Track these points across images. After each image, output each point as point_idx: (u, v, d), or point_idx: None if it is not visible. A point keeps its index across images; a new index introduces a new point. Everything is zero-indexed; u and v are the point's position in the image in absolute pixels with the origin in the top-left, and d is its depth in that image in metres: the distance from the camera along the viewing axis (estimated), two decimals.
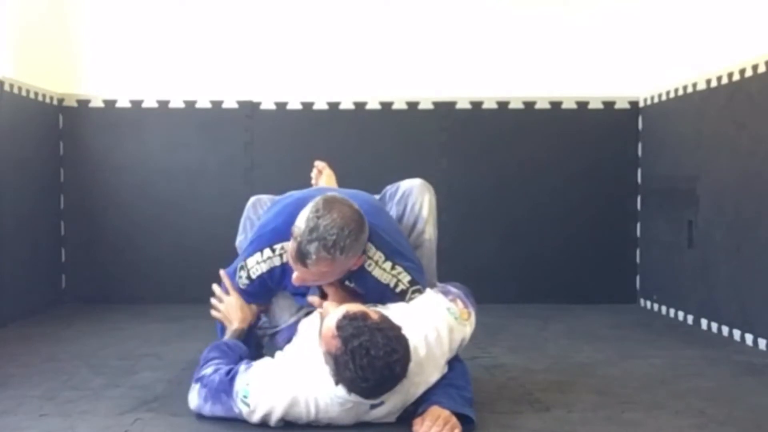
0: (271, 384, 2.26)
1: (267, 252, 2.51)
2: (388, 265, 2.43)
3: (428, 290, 2.47)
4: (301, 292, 2.59)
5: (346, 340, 2.08)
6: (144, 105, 4.69)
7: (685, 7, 4.25)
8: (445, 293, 2.45)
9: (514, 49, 4.72)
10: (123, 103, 4.69)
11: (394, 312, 2.29)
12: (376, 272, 2.43)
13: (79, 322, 4.06)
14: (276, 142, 4.67)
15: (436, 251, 2.78)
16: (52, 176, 4.60)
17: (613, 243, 4.74)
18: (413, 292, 2.45)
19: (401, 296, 2.44)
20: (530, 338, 3.71)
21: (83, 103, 4.68)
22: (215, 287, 2.69)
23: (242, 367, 2.33)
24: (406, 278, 2.44)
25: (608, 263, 4.74)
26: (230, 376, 2.32)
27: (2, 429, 2.32)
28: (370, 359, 2.05)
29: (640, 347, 3.51)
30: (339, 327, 2.11)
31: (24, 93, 4.22)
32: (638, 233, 4.73)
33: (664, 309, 4.39)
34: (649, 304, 4.59)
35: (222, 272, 2.69)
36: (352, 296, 2.45)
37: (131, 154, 4.68)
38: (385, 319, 2.17)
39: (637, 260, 4.73)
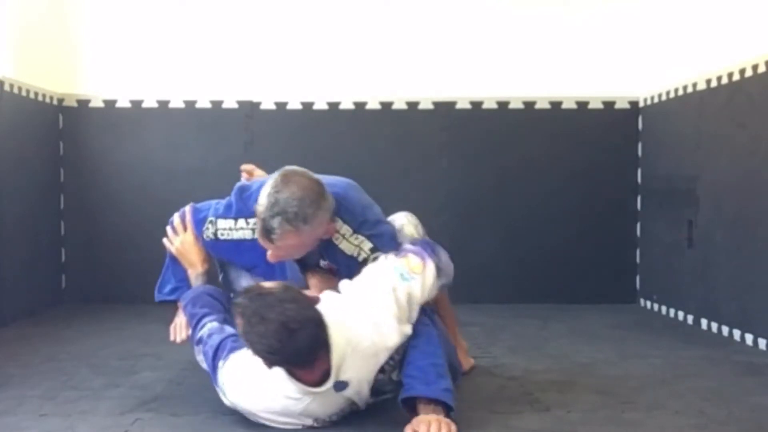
0: (241, 385, 2.31)
1: (241, 222, 2.55)
2: (354, 237, 2.47)
3: (381, 256, 2.46)
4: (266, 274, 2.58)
5: (243, 314, 2.13)
6: (144, 105, 4.69)
7: (685, 7, 4.25)
8: (398, 251, 2.46)
9: (514, 49, 4.72)
10: (123, 103, 4.69)
11: (343, 289, 2.33)
12: (343, 245, 2.47)
13: (79, 322, 4.06)
14: (276, 142, 4.67)
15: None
16: (52, 176, 4.60)
17: (613, 243, 4.74)
18: (373, 259, 2.46)
19: (364, 265, 2.45)
20: (530, 338, 3.71)
21: (83, 103, 4.68)
22: (176, 218, 2.70)
23: (221, 362, 2.35)
24: (367, 246, 2.47)
25: (608, 263, 4.74)
26: (215, 362, 2.35)
27: (2, 429, 2.32)
28: (266, 323, 2.08)
29: (640, 347, 3.51)
30: (236, 304, 2.17)
31: (24, 93, 4.22)
32: (638, 233, 4.73)
33: (664, 309, 4.39)
34: (649, 304, 4.59)
35: (188, 208, 2.70)
36: (331, 276, 2.50)
37: (131, 154, 4.68)
38: (279, 285, 2.21)
39: (637, 260, 4.73)
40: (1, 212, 3.94)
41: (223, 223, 2.58)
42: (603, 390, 2.74)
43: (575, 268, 4.72)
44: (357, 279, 2.39)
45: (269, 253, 2.40)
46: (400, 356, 2.30)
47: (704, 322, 3.92)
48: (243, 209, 2.55)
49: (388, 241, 2.50)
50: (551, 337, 3.73)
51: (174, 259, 2.73)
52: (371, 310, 2.28)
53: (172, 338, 2.68)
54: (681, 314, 4.17)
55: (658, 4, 4.57)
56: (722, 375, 2.99)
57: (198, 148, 4.69)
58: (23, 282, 4.17)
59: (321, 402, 2.23)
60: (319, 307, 2.24)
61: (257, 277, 2.59)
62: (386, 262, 2.42)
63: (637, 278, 4.73)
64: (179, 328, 2.66)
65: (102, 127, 4.68)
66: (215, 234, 2.59)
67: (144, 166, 4.67)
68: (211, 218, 2.60)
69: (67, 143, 4.68)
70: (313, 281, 2.53)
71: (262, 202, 2.34)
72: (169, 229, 2.72)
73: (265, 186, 2.37)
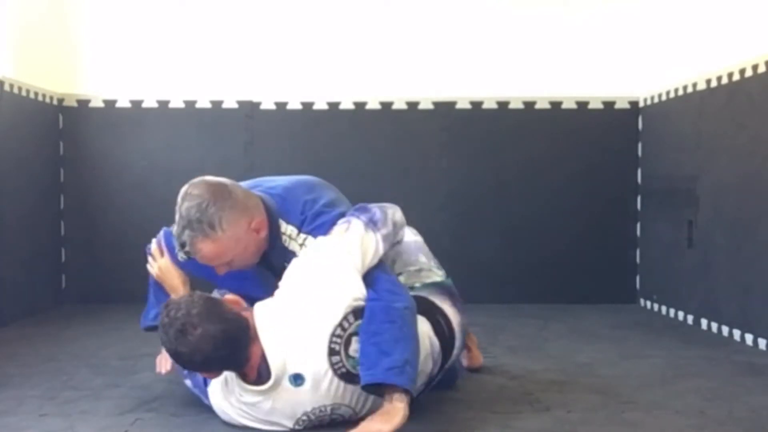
0: (218, 404, 2.33)
1: None
2: (299, 237, 2.44)
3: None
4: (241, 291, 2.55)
5: (159, 331, 2.19)
6: (144, 105, 4.69)
7: (685, 8, 4.25)
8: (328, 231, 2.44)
9: (514, 49, 4.72)
10: (123, 103, 4.69)
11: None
12: (292, 246, 2.43)
13: (79, 322, 4.06)
14: (276, 142, 4.67)
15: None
16: (52, 176, 4.60)
17: (613, 243, 4.74)
18: None
19: None
20: (530, 338, 3.71)
21: (83, 103, 4.68)
22: (153, 244, 2.68)
23: (208, 388, 2.36)
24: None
25: (608, 263, 4.74)
26: (206, 387, 2.37)
27: (2, 429, 2.32)
28: (166, 332, 2.14)
29: (640, 347, 3.51)
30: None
31: (24, 93, 4.22)
32: (638, 233, 4.73)
33: (664, 309, 4.39)
34: (649, 304, 4.59)
35: (161, 233, 2.68)
36: None
37: (131, 154, 4.68)
38: (183, 294, 2.27)
39: (637, 260, 4.73)
40: (1, 212, 3.94)
41: None
42: (603, 390, 2.74)
43: (575, 268, 4.72)
44: (286, 271, 2.36)
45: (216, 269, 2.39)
46: (348, 333, 2.24)
47: (704, 322, 3.92)
48: None
49: (327, 231, 2.42)
50: (551, 337, 3.73)
51: (157, 285, 2.70)
52: (299, 296, 2.26)
53: (158, 370, 2.67)
54: (681, 314, 4.17)
55: (658, 4, 4.57)
56: (722, 375, 2.99)
57: (198, 148, 4.68)
58: (23, 282, 4.17)
59: (285, 400, 2.21)
60: (257, 308, 2.26)
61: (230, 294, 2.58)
62: (312, 244, 2.40)
63: (637, 278, 4.73)
64: (165, 359, 2.63)
65: (102, 127, 4.68)
66: (187, 254, 2.55)
67: (144, 166, 4.67)
68: None
69: (67, 143, 4.68)
70: None
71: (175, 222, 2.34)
72: (148, 255, 2.70)
73: None
